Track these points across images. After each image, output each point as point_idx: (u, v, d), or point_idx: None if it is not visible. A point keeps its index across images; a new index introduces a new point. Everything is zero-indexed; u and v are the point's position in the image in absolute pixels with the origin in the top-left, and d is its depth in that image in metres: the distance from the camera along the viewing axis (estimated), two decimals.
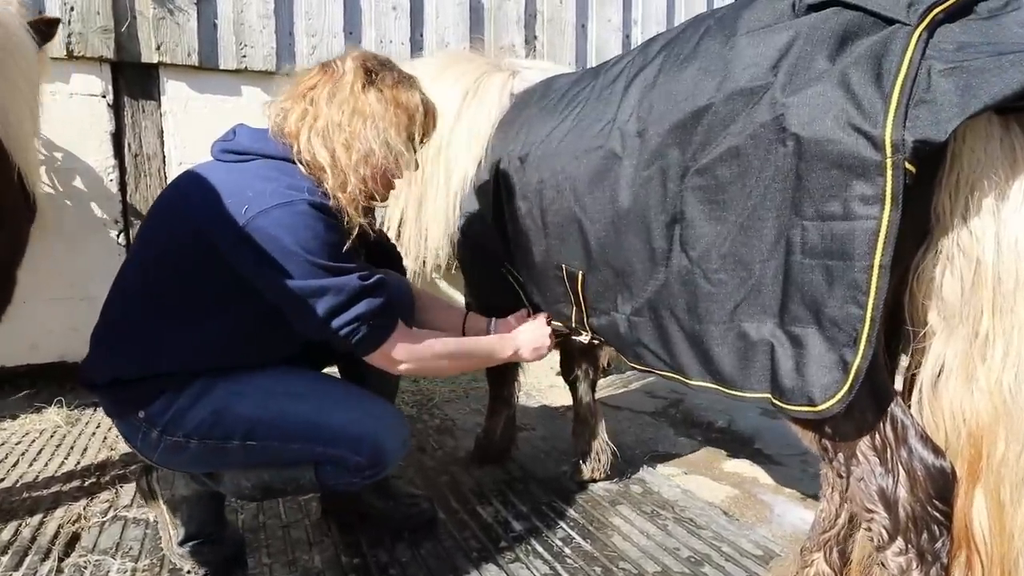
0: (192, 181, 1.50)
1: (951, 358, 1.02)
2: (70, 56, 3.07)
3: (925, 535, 1.07)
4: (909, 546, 1.08)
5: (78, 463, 2.38)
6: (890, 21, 0.99)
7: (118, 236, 3.28)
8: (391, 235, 2.29)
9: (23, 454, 2.46)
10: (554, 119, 1.73)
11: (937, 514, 1.06)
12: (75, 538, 1.87)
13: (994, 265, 0.97)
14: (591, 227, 1.50)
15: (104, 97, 3.20)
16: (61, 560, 1.75)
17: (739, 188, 1.14)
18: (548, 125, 1.74)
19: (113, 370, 1.50)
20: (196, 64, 3.30)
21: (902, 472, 1.07)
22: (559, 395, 3.19)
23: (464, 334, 1.86)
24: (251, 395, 1.52)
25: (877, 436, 1.09)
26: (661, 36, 1.49)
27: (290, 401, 1.55)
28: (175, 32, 3.23)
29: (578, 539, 1.88)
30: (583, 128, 1.57)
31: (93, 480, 2.24)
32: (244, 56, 3.39)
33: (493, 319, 1.92)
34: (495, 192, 1.92)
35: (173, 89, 3.33)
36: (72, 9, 3.05)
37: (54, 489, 2.18)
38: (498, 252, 1.98)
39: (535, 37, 4.10)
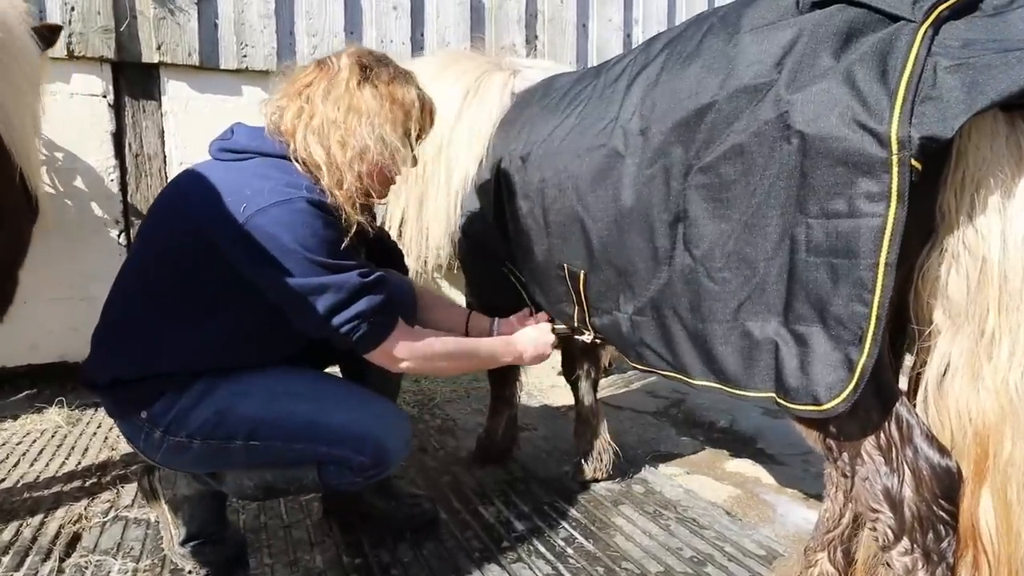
0: (192, 179, 1.49)
1: (957, 357, 1.02)
2: (71, 56, 3.07)
3: (931, 535, 1.06)
4: (915, 546, 1.08)
5: (79, 463, 2.38)
6: (895, 18, 0.98)
7: (119, 236, 3.28)
8: (392, 234, 2.29)
9: (24, 454, 2.45)
10: (556, 118, 1.73)
11: (943, 514, 1.05)
12: (76, 538, 1.86)
13: (1000, 263, 0.96)
14: (593, 226, 1.49)
15: (105, 97, 3.20)
16: (62, 560, 1.75)
17: (743, 186, 1.13)
18: (550, 124, 1.74)
19: (114, 370, 1.49)
20: (197, 64, 3.30)
21: (907, 472, 1.07)
22: (561, 395, 3.19)
23: (467, 334, 1.85)
24: (254, 395, 1.52)
25: (882, 435, 1.09)
26: (664, 34, 1.49)
27: (293, 401, 1.54)
28: (176, 32, 3.23)
29: (580, 539, 1.88)
30: (585, 127, 1.56)
31: (94, 480, 2.24)
32: (245, 56, 3.39)
33: (496, 319, 1.91)
34: (496, 191, 1.91)
35: (174, 89, 3.33)
36: (73, 9, 3.05)
37: (55, 489, 2.17)
38: (499, 251, 1.97)
39: (536, 37, 4.10)
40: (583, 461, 2.25)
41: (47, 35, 2.27)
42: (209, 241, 1.41)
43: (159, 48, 3.21)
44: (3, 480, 2.23)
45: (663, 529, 1.93)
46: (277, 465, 1.60)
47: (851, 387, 1.02)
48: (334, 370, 1.89)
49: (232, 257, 1.41)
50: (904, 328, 1.12)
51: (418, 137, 1.58)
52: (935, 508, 1.06)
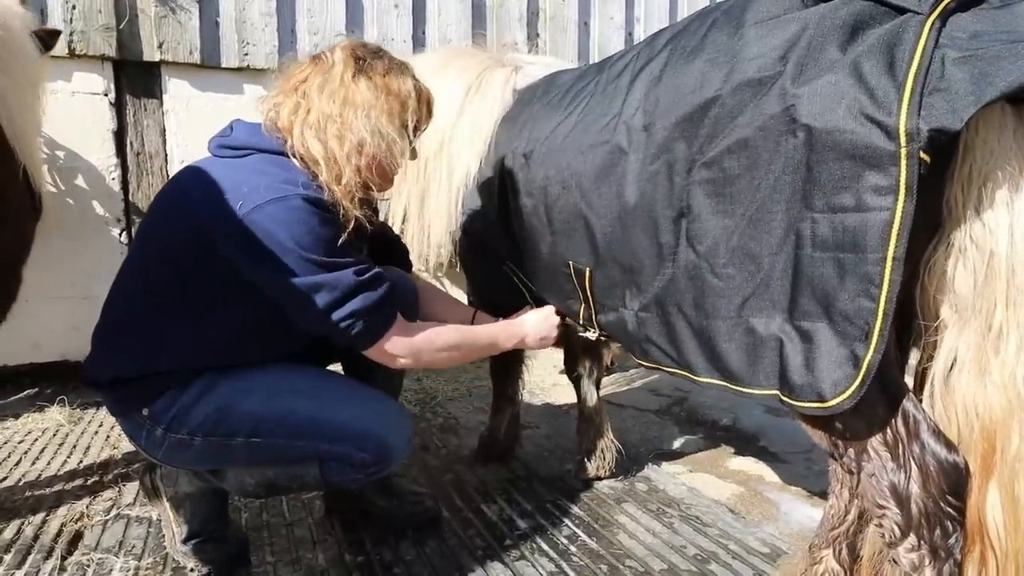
0: (193, 176, 1.49)
1: (964, 351, 1.01)
2: (72, 54, 3.07)
3: (938, 531, 1.06)
4: (922, 542, 1.07)
5: (81, 462, 2.37)
6: (902, 10, 0.98)
7: (120, 235, 3.27)
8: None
9: (26, 453, 2.45)
10: (558, 115, 1.72)
11: (950, 510, 1.05)
12: (78, 536, 1.86)
13: (1008, 257, 0.96)
14: (597, 223, 1.48)
15: (106, 95, 3.20)
16: (64, 559, 1.74)
17: (747, 181, 1.12)
18: (552, 121, 1.73)
19: (115, 369, 1.49)
20: (198, 62, 3.29)
21: (914, 467, 1.06)
22: (563, 393, 3.18)
23: None
24: (256, 392, 1.51)
25: (889, 431, 1.08)
26: (667, 30, 1.48)
27: (295, 398, 1.54)
28: (177, 30, 3.22)
29: (584, 537, 1.87)
30: (588, 123, 1.56)
31: (96, 478, 2.23)
32: (246, 54, 3.38)
33: (500, 320, 1.90)
34: (500, 189, 1.91)
35: (175, 87, 3.32)
36: (74, 7, 3.04)
37: (57, 488, 2.17)
38: (501, 249, 1.97)
39: (537, 35, 4.09)
40: (586, 459, 2.24)
41: (47, 39, 2.30)
42: (210, 237, 1.41)
43: (160, 46, 3.20)
44: (5, 479, 2.23)
45: (667, 527, 1.92)
46: (279, 462, 1.59)
47: (857, 383, 1.01)
48: (336, 367, 1.89)
49: (230, 253, 1.40)
50: (910, 323, 1.11)
51: (416, 128, 1.57)
52: (942, 504, 1.05)
